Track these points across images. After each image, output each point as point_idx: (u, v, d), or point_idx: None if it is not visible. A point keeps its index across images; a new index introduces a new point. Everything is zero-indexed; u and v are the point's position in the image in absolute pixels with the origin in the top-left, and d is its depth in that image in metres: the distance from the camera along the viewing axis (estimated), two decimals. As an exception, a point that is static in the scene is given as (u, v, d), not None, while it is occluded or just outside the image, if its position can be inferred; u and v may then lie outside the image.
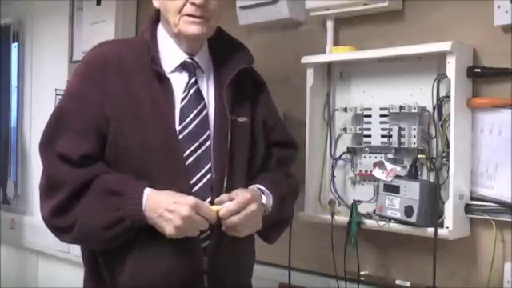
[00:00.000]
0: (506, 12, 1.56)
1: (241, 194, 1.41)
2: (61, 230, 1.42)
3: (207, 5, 1.44)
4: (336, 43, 1.94)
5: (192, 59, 1.51)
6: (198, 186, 1.43)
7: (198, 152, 1.44)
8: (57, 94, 3.01)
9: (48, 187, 1.42)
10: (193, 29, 1.45)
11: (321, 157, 1.91)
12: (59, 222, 1.40)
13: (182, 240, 1.35)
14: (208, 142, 1.46)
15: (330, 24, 1.94)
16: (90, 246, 1.47)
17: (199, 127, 1.46)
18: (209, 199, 1.43)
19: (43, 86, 3.27)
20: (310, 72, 1.89)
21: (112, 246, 1.39)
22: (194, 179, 1.43)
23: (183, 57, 1.51)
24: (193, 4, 1.43)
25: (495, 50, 1.62)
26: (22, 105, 3.48)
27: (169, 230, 1.32)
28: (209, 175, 1.44)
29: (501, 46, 1.61)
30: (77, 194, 1.38)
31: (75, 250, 2.97)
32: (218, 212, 1.38)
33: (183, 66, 1.51)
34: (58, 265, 3.16)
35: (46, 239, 3.12)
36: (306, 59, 1.89)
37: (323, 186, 1.91)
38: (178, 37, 1.50)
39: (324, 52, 1.93)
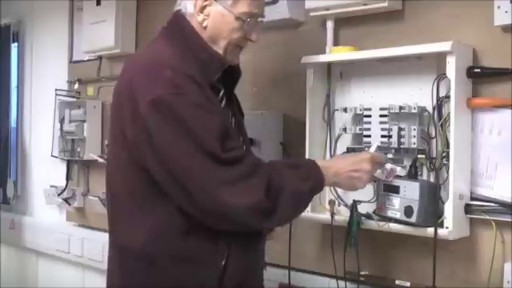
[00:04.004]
0: (506, 12, 1.56)
1: None
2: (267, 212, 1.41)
3: None
4: (336, 43, 1.94)
5: None
6: None
7: None
8: (57, 94, 3.01)
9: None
10: (237, 59, 1.57)
11: (321, 157, 1.90)
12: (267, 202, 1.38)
13: (262, 242, 1.58)
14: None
15: (329, 24, 1.94)
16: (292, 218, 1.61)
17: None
18: None
19: (43, 85, 3.28)
20: (309, 72, 1.89)
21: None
22: None
23: None
24: (249, 40, 1.53)
25: (495, 49, 1.62)
26: (22, 105, 3.49)
27: (360, 184, 1.55)
28: None
29: (501, 46, 1.61)
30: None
31: (75, 250, 2.98)
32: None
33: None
34: (57, 265, 3.16)
35: (46, 239, 3.15)
36: (305, 59, 1.89)
37: (323, 186, 1.91)
38: None
39: (324, 52, 1.93)
